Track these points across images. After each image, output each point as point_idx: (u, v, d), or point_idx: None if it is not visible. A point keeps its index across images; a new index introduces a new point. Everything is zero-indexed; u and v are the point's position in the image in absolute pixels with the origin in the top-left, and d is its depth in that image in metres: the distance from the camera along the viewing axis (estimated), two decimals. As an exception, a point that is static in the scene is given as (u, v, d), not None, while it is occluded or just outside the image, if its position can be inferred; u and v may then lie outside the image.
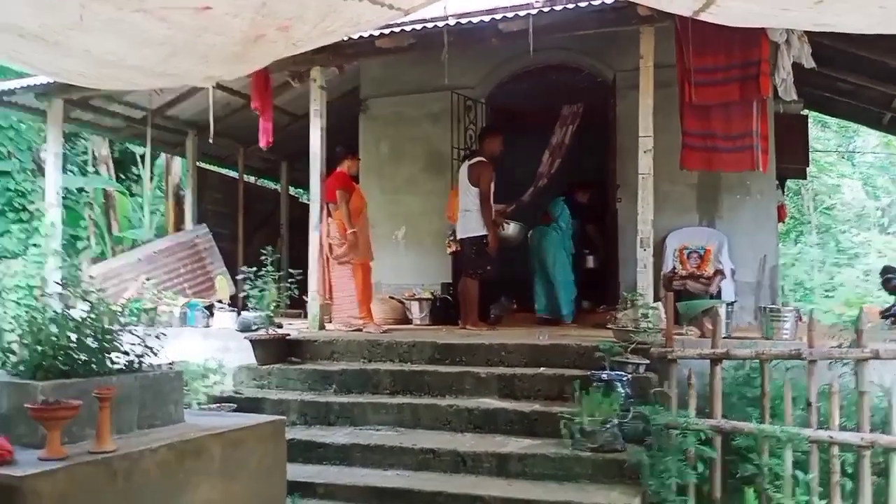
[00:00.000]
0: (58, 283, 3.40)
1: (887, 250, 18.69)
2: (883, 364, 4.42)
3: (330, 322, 7.20)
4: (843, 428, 4.30)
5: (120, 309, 3.19)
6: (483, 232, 7.07)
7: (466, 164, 7.38)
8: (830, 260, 19.73)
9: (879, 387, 4.47)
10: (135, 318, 3.23)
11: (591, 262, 8.76)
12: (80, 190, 13.68)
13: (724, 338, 5.13)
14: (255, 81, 7.67)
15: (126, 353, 3.13)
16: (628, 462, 4.26)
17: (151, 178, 13.95)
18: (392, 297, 8.18)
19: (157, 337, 3.26)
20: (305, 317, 7.33)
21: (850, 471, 4.27)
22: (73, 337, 2.97)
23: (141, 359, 3.17)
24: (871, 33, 3.73)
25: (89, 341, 3.00)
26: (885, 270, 8.98)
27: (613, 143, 8.03)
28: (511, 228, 7.83)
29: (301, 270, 6.52)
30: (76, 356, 2.93)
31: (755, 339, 5.59)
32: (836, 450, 4.21)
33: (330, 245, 6.97)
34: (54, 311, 3.02)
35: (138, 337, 3.19)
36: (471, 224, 7.17)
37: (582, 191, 8.60)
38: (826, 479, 4.21)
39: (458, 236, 7.39)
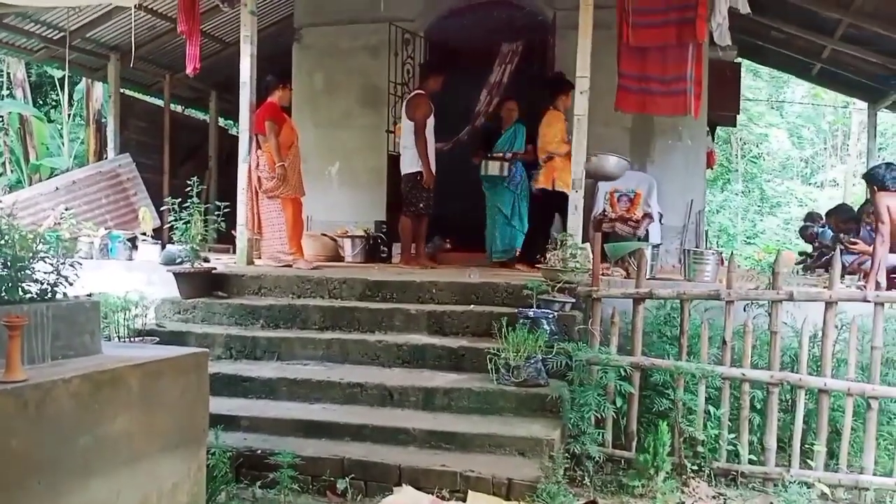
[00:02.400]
0: (-35, 209, 3.20)
1: (807, 200, 19.50)
2: (796, 306, 4.61)
3: (259, 257, 7.07)
4: (755, 366, 4.50)
5: (33, 237, 3.03)
6: (418, 168, 6.96)
7: (406, 99, 7.23)
8: (754, 208, 20.46)
9: (791, 328, 4.67)
10: (50, 247, 3.07)
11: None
12: (-6, 114, 12.93)
13: (649, 279, 5.27)
14: (181, 4, 7.31)
15: (39, 282, 2.99)
16: (550, 396, 4.38)
17: (71, 104, 13.28)
18: (324, 234, 8.07)
19: (73, 266, 3.12)
20: (234, 252, 7.18)
21: (759, 406, 4.50)
22: (-20, 264, 2.82)
23: (54, 288, 3.03)
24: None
25: (-2, 268, 2.86)
26: (807, 217, 9.36)
27: (550, 83, 7.96)
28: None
29: (230, 204, 6.33)
30: (-17, 284, 2.79)
31: (678, 281, 5.76)
32: (747, 387, 4.41)
33: (259, 178, 6.76)
34: (-41, 237, 2.86)
35: (52, 266, 3.05)
36: (408, 160, 7.05)
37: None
38: (736, 414, 4.42)
39: (402, 173, 7.22)
